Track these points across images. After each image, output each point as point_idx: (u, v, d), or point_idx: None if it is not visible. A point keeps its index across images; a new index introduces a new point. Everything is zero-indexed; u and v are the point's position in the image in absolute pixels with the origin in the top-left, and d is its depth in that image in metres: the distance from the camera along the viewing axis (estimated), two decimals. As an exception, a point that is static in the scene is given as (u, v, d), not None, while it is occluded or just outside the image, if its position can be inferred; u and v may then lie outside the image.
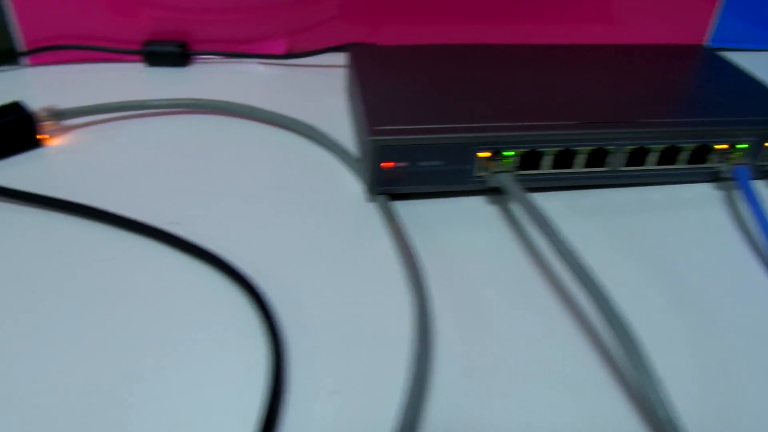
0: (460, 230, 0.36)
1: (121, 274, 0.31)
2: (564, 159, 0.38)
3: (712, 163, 0.40)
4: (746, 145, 0.39)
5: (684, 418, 0.26)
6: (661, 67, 0.46)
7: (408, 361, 0.28)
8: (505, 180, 0.35)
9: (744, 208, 0.38)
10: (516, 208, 0.37)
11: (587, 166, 0.38)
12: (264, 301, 0.29)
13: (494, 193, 0.39)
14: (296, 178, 0.40)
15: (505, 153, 0.36)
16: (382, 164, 0.36)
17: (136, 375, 0.26)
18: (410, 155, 0.35)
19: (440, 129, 0.35)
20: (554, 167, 0.38)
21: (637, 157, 0.39)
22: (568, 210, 0.38)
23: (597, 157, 0.38)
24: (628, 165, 0.39)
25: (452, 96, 0.39)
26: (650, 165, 0.39)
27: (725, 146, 0.39)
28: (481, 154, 0.36)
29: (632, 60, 0.47)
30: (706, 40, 0.61)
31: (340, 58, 0.54)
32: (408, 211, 0.37)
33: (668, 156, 0.39)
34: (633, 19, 0.59)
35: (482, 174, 0.37)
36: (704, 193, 0.40)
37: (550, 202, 0.38)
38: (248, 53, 0.54)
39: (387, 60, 0.44)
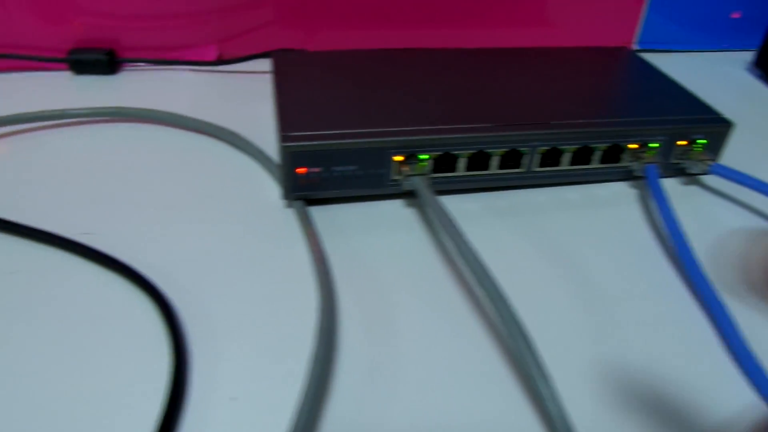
0: (375, 233, 0.36)
1: (27, 286, 0.31)
2: (479, 161, 0.38)
3: (625, 162, 0.41)
4: (657, 144, 0.40)
5: (581, 415, 0.26)
6: (582, 69, 0.47)
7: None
8: (418, 183, 0.36)
9: (654, 205, 0.39)
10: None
11: (502, 167, 0.39)
12: (169, 308, 0.29)
13: (410, 196, 0.39)
14: (216, 185, 0.39)
15: (421, 156, 0.37)
16: (296, 170, 0.36)
17: (41, 383, 0.26)
18: (323, 161, 0.36)
19: (354, 134, 0.36)
20: (469, 169, 0.38)
21: (552, 157, 0.39)
22: (484, 211, 0.38)
23: (511, 159, 0.39)
24: (542, 166, 0.39)
25: (370, 101, 0.40)
26: (564, 165, 0.40)
27: (636, 145, 0.40)
28: (396, 158, 0.36)
29: (555, 63, 0.48)
30: (634, 43, 0.63)
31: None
32: (325, 215, 0.37)
33: (582, 156, 0.40)
34: (563, 23, 0.61)
35: (397, 178, 0.37)
36: (618, 191, 0.41)
37: (466, 204, 0.39)
38: (178, 60, 0.54)
39: (310, 66, 0.44)
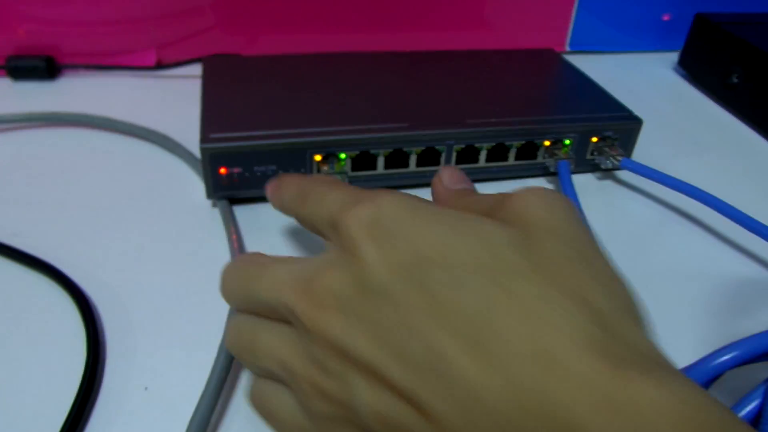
0: (296, 231, 0.37)
1: (-54, 287, 0.32)
2: (397, 159, 0.40)
3: (541, 159, 0.43)
4: (569, 141, 0.42)
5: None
6: (506, 71, 0.49)
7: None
8: (336, 181, 0.37)
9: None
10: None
11: (420, 165, 0.41)
12: (87, 305, 0.31)
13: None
14: (145, 187, 0.41)
15: (340, 155, 0.38)
16: (218, 170, 0.37)
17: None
18: (244, 161, 0.37)
19: (273, 135, 0.37)
20: (387, 168, 0.40)
21: (468, 155, 0.41)
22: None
23: (429, 157, 0.40)
24: (459, 163, 0.41)
25: (294, 103, 0.41)
26: (481, 163, 0.42)
27: (549, 143, 0.42)
28: (316, 158, 0.38)
29: (481, 65, 0.50)
30: (566, 44, 0.65)
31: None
32: (249, 214, 0.38)
33: (498, 153, 0.42)
34: (497, 26, 0.63)
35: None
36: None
37: (387, 201, 0.40)
38: (118, 65, 0.55)
39: (240, 70, 0.46)
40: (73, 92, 0.52)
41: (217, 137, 0.37)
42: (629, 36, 0.67)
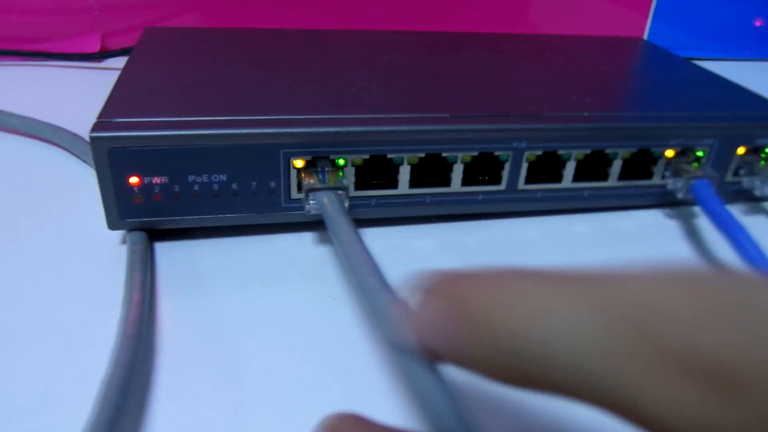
0: (261, 290, 0.21)
1: None
2: (431, 171, 0.24)
3: (658, 179, 0.27)
4: (703, 153, 0.26)
5: None
6: (590, 57, 0.34)
7: None
8: (328, 203, 0.21)
9: (718, 240, 0.25)
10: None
11: (469, 182, 0.25)
12: None
13: (322, 227, 0.25)
14: (29, 205, 0.25)
15: (338, 161, 0.23)
16: (127, 179, 0.21)
17: None
18: (172, 164, 0.21)
19: (222, 122, 0.22)
20: (415, 185, 0.24)
21: (546, 168, 0.25)
22: (441, 251, 0.24)
23: (484, 169, 0.25)
24: (531, 181, 0.25)
25: (260, 84, 0.26)
26: (567, 182, 0.26)
27: (674, 152, 0.26)
28: (296, 162, 0.22)
29: (551, 50, 0.34)
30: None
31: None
32: (180, 257, 0.23)
33: (593, 167, 0.26)
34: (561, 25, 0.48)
35: (299, 196, 0.23)
36: (651, 223, 0.27)
37: (413, 240, 0.24)
38: (51, 53, 0.40)
39: (190, 44, 0.31)
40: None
41: (124, 122, 0.21)
42: (713, 42, 0.53)
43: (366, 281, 0.16)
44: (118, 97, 0.23)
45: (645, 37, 0.51)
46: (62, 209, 0.25)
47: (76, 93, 0.37)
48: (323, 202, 0.21)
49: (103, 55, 0.41)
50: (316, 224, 0.24)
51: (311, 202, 0.22)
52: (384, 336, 0.15)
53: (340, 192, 0.22)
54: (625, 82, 0.31)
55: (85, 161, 0.29)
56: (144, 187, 0.22)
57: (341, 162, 0.23)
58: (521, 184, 0.25)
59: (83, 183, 0.27)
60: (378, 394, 0.17)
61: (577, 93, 0.28)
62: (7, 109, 0.31)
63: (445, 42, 0.34)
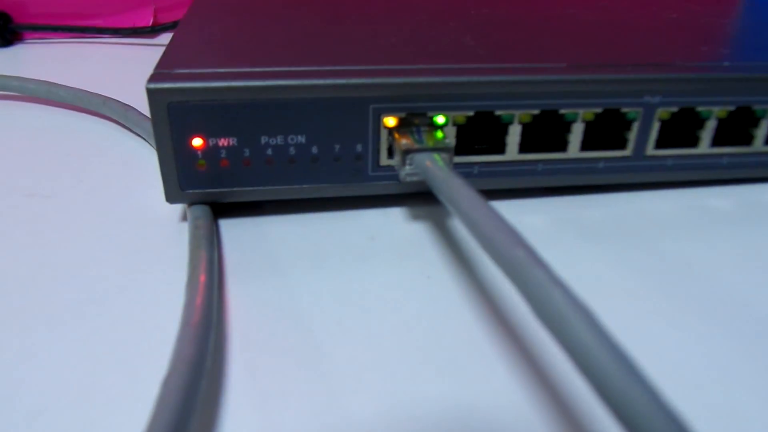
0: (346, 273, 0.18)
1: None
2: (542, 132, 0.20)
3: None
4: None
5: None
6: (697, 7, 0.29)
7: None
8: (432, 168, 0.17)
9: None
10: (453, 226, 0.20)
11: (589, 146, 0.21)
12: None
13: (417, 199, 0.21)
14: (84, 182, 0.22)
15: (435, 119, 0.19)
16: (190, 141, 0.18)
17: None
18: (241, 122, 0.18)
19: (303, 73, 0.18)
20: (526, 149, 0.20)
21: (680, 128, 0.21)
22: (558, 229, 0.20)
23: (607, 130, 0.21)
24: (662, 146, 0.21)
25: (337, 36, 0.22)
26: (703, 146, 0.21)
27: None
28: (386, 120, 0.19)
29: (652, 3, 0.30)
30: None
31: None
32: (251, 236, 0.19)
33: (734, 128, 0.21)
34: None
35: (389, 162, 0.19)
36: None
37: (526, 216, 0.20)
38: (102, 27, 0.38)
39: (238, 4, 0.27)
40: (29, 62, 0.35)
41: (186, 74, 0.18)
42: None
43: (511, 253, 0.12)
44: (179, 48, 0.20)
45: None
46: (113, 184, 0.22)
47: (128, 69, 0.34)
48: (425, 165, 0.17)
49: (155, 29, 0.38)
50: (405, 197, 0.21)
51: (407, 166, 0.18)
52: (543, 319, 0.11)
53: (440, 155, 0.18)
54: (756, 32, 0.26)
55: (137, 133, 0.25)
56: (209, 151, 0.18)
57: (441, 119, 0.19)
58: (650, 149, 0.21)
59: (135, 156, 0.24)
60: (491, 389, 0.13)
61: (705, 43, 0.23)
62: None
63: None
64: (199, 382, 0.13)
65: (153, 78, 0.17)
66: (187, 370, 0.12)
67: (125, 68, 0.35)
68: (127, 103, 0.26)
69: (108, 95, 0.27)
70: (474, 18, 0.25)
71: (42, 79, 0.29)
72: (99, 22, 0.39)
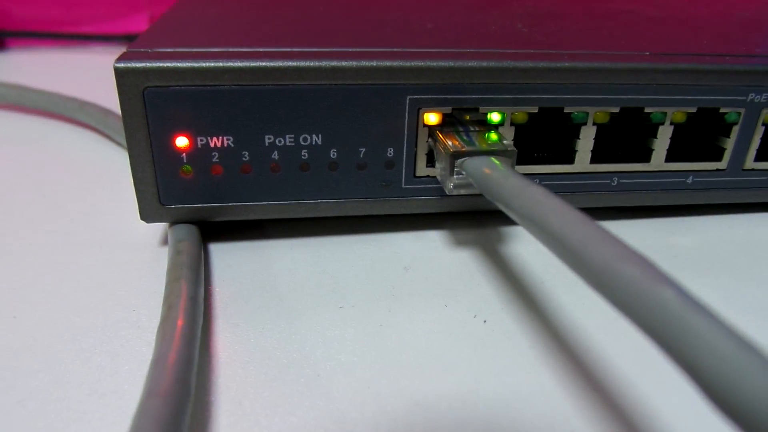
0: (359, 311, 0.13)
1: None
2: (624, 135, 0.16)
3: None
4: None
5: None
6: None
7: None
8: (495, 175, 0.13)
9: None
10: (510, 253, 0.15)
11: (677, 156, 0.16)
12: None
13: (459, 221, 0.17)
14: (50, 196, 0.18)
15: (489, 116, 0.15)
16: (172, 139, 0.14)
17: None
18: (240, 115, 0.14)
19: (318, 54, 0.14)
20: (597, 158, 0.16)
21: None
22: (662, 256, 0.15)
23: (696, 135, 0.16)
24: (763, 157, 0.17)
25: (357, 21, 0.18)
26: (817, 157, 0.17)
27: None
28: (427, 117, 0.14)
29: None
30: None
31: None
32: (247, 264, 0.15)
33: None
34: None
35: (427, 173, 0.15)
36: None
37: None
38: (95, 34, 0.34)
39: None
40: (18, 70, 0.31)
41: (167, 52, 0.13)
42: None
43: (622, 270, 0.08)
44: (161, 27, 0.16)
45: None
46: (81, 200, 0.18)
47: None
48: (482, 173, 0.13)
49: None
50: (445, 218, 0.16)
51: (455, 175, 0.14)
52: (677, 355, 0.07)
53: (500, 159, 0.14)
54: None
55: (118, 142, 0.21)
56: (197, 154, 0.14)
57: (496, 117, 0.15)
58: (750, 162, 0.17)
59: (112, 168, 0.20)
60: None
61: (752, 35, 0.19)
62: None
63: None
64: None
65: (125, 56, 0.13)
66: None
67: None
68: (108, 108, 0.22)
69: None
70: (519, 9, 0.21)
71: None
72: (90, 29, 0.36)
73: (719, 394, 0.07)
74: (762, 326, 0.13)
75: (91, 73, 0.32)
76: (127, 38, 0.35)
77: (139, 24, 0.36)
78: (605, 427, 0.10)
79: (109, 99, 0.23)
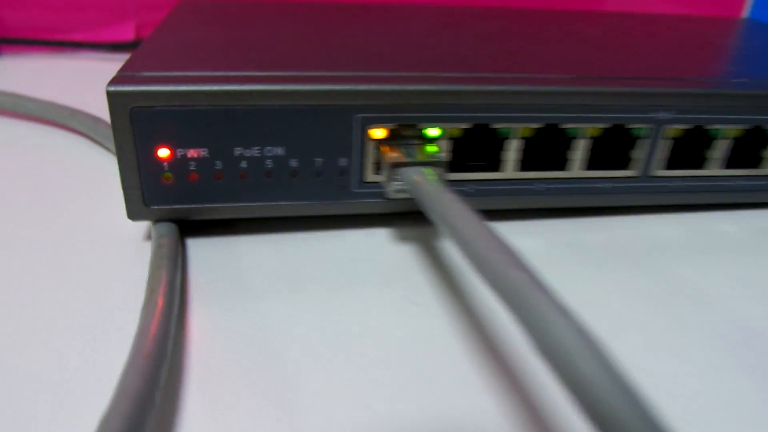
0: (312, 297, 0.16)
1: None
2: (543, 148, 0.18)
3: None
4: None
5: None
6: (699, 31, 0.28)
7: None
8: (423, 185, 0.16)
9: None
10: (442, 249, 0.18)
11: (593, 165, 0.19)
12: None
13: (405, 219, 0.19)
14: (47, 197, 0.20)
15: (425, 132, 0.17)
16: (155, 151, 0.16)
17: None
18: (213, 131, 0.16)
19: (282, 78, 0.16)
20: (526, 167, 0.19)
21: (690, 148, 0.20)
22: (557, 252, 0.18)
23: (611, 147, 0.19)
24: (670, 166, 0.19)
25: (319, 44, 0.21)
26: (713, 167, 0.20)
27: None
28: (372, 132, 0.17)
29: (654, 25, 0.29)
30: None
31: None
32: (218, 257, 0.17)
33: (745, 149, 0.20)
34: None
35: (375, 179, 0.18)
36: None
37: (523, 239, 0.19)
38: (81, 42, 0.37)
39: (235, 13, 0.26)
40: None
41: (153, 77, 0.16)
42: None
43: (509, 276, 0.11)
44: (147, 52, 0.18)
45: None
46: (75, 201, 0.20)
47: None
48: (414, 180, 0.15)
49: (136, 44, 0.36)
50: (392, 218, 0.19)
51: (394, 183, 0.16)
52: (543, 351, 0.09)
53: (436, 169, 0.16)
54: (763, 56, 0.25)
55: (107, 148, 0.24)
56: (177, 163, 0.16)
57: (434, 132, 0.17)
58: (657, 169, 0.19)
59: (102, 171, 0.22)
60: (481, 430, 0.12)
61: (716, 62, 0.22)
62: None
63: (527, 15, 0.29)
64: (144, 420, 0.11)
65: (115, 80, 0.16)
66: (131, 407, 0.11)
67: (104, 83, 0.33)
68: (98, 116, 0.24)
69: (83, 110, 0.25)
70: (471, 30, 0.24)
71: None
72: (79, 36, 0.38)
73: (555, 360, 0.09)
74: (647, 313, 0.16)
75: (80, 79, 0.34)
76: (114, 46, 0.37)
77: (126, 33, 0.38)
78: (501, 390, 0.13)
79: (97, 102, 0.25)
